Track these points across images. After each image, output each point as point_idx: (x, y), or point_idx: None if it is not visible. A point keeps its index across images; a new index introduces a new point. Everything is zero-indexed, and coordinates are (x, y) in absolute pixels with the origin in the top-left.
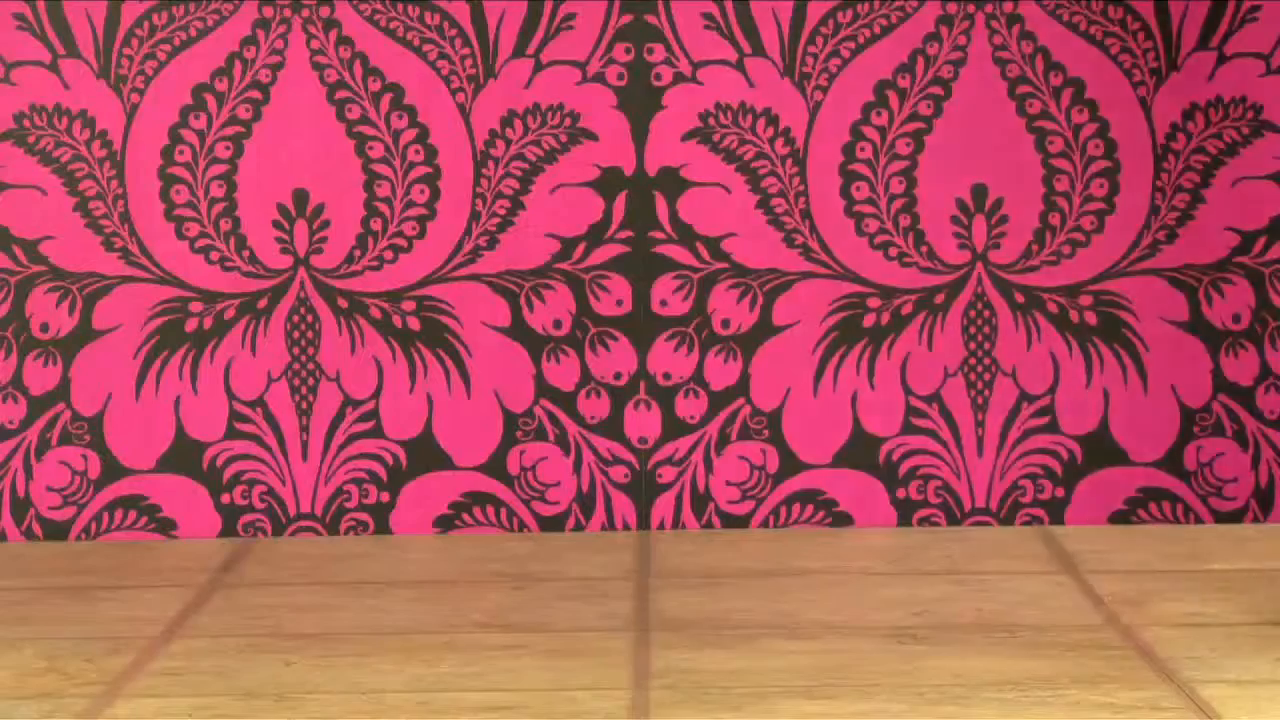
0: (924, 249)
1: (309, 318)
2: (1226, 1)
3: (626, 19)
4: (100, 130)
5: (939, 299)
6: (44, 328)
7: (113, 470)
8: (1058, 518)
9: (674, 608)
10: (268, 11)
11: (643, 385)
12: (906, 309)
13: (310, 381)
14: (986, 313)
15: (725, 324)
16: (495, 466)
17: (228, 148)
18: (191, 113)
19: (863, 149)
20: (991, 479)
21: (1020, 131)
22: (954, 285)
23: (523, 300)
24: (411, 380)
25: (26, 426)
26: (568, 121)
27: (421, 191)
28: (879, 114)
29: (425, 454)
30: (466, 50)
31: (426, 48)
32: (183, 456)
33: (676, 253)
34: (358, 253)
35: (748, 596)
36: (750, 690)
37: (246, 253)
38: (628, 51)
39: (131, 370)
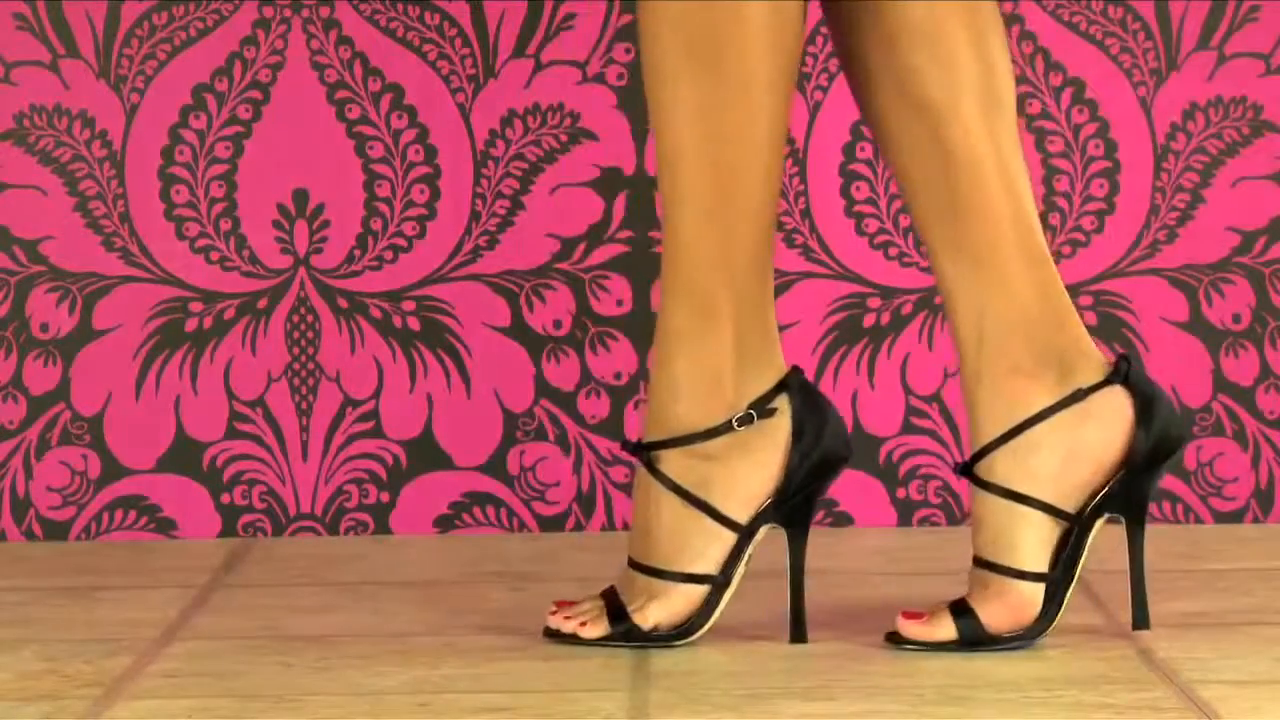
0: (924, 249)
1: (309, 318)
2: (1226, 1)
3: (627, 19)
4: (100, 130)
5: (939, 299)
6: (44, 328)
7: (113, 470)
8: None
9: None
10: (268, 11)
11: (643, 385)
12: (906, 309)
13: (310, 381)
14: None
15: None
16: (495, 466)
17: (228, 148)
18: (191, 113)
19: (863, 149)
20: None
21: (1019, 131)
22: None
23: (523, 300)
24: (411, 380)
25: (26, 426)
26: (568, 121)
27: (421, 191)
28: None
29: (425, 454)
30: (466, 50)
31: (426, 48)
32: (183, 456)
33: None
34: (358, 253)
35: (747, 597)
36: (750, 691)
37: (246, 253)
38: (628, 51)
39: (131, 370)
